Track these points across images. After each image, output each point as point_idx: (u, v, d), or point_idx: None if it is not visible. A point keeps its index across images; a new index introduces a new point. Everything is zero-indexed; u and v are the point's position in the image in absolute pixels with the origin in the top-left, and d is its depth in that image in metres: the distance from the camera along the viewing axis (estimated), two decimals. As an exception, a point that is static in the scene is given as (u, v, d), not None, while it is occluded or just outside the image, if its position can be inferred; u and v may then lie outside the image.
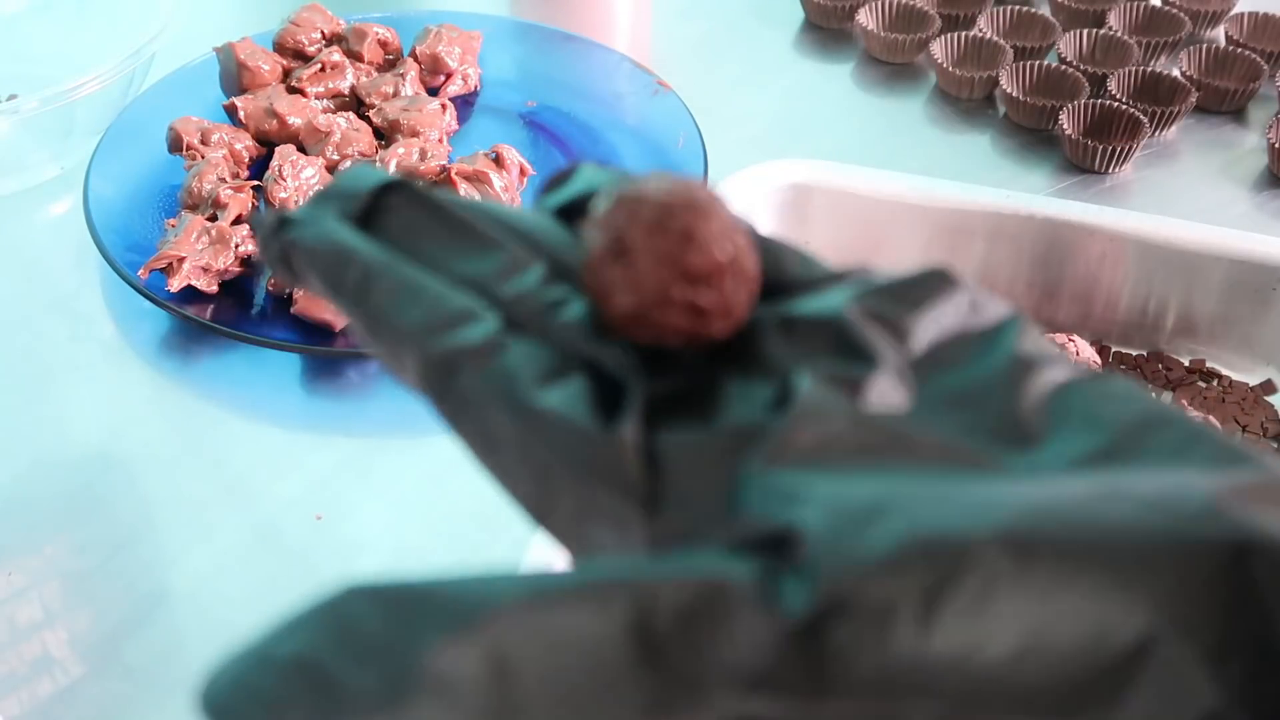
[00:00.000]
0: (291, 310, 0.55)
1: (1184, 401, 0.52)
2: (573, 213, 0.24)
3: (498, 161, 0.61)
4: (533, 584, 0.15)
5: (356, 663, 0.15)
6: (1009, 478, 0.18)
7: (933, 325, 0.21)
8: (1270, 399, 0.55)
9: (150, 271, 0.55)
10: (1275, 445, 0.53)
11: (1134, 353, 0.58)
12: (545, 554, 0.41)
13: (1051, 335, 0.54)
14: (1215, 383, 0.56)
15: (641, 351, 0.21)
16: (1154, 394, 0.53)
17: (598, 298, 0.21)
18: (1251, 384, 0.56)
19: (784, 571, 0.16)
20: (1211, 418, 0.51)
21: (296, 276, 0.24)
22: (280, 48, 0.71)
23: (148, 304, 0.56)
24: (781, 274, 0.23)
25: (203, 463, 0.52)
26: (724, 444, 0.19)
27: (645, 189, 0.21)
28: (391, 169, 0.61)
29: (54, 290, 0.61)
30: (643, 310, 0.20)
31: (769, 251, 0.23)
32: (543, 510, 0.20)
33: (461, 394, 0.21)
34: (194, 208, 0.60)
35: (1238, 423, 0.54)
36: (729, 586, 0.15)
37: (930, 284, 0.21)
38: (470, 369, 0.21)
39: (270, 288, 0.57)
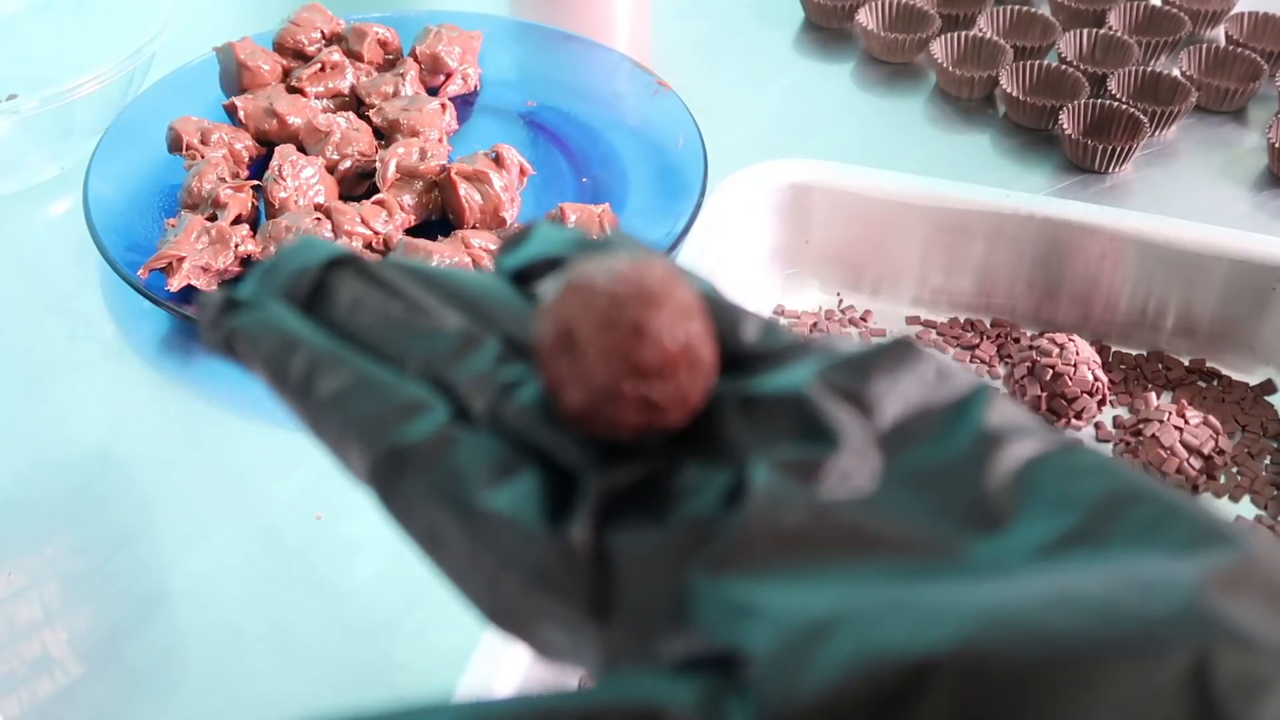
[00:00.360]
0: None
1: (1184, 401, 0.52)
2: (531, 275, 0.24)
3: (498, 161, 0.61)
4: (469, 716, 0.15)
5: None
6: (969, 577, 0.17)
7: (898, 399, 0.20)
8: (1270, 399, 0.55)
9: (150, 271, 0.55)
10: (1275, 445, 0.53)
11: (1134, 353, 0.58)
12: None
13: (1051, 335, 0.54)
14: (1215, 383, 0.56)
15: (596, 441, 0.20)
16: (1153, 395, 0.53)
17: (550, 388, 0.20)
18: (1251, 384, 0.56)
19: (730, 694, 0.15)
20: (1211, 417, 0.51)
21: (241, 363, 0.23)
22: (280, 48, 0.71)
23: (148, 304, 0.56)
24: (741, 346, 0.22)
25: (203, 463, 0.52)
26: (678, 544, 0.18)
27: (595, 275, 0.20)
28: (391, 169, 0.61)
29: (54, 290, 0.61)
30: (594, 405, 0.20)
31: (729, 321, 0.22)
32: (494, 612, 0.20)
33: (408, 494, 0.20)
34: (194, 207, 0.60)
35: (1238, 422, 0.54)
36: (670, 714, 0.15)
37: (895, 355, 0.21)
38: (417, 468, 0.20)
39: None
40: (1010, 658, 0.15)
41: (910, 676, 0.15)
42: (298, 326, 0.22)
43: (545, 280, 0.23)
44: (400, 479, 0.20)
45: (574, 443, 0.20)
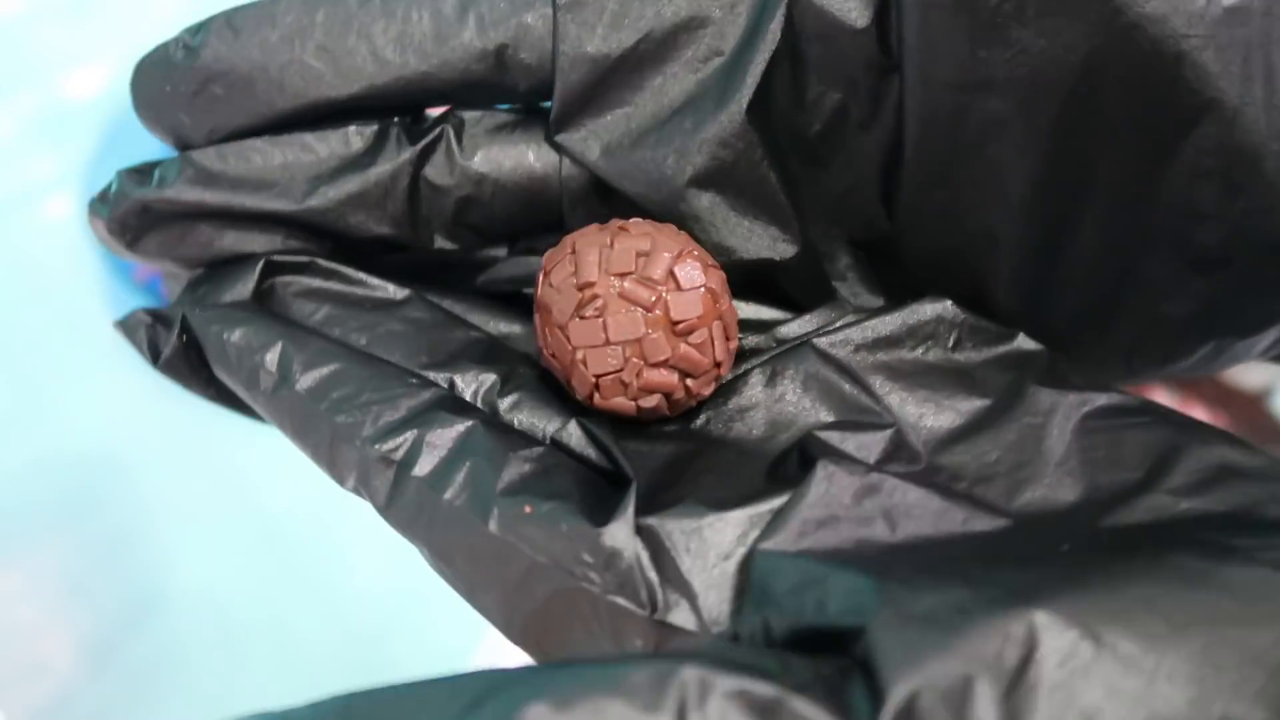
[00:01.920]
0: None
1: (1188, 402, 0.52)
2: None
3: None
4: (563, 681, 0.13)
5: None
6: (1067, 556, 0.16)
7: (940, 364, 0.19)
8: (1270, 402, 0.55)
9: (149, 272, 0.55)
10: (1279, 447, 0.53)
11: (1135, 354, 0.57)
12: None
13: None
14: (1215, 385, 0.56)
15: (616, 421, 0.19)
16: (1157, 396, 0.53)
17: (561, 364, 0.18)
18: (1255, 386, 0.56)
19: (845, 674, 0.14)
20: (1216, 418, 0.51)
21: (200, 379, 0.21)
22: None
23: (148, 304, 0.55)
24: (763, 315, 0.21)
25: (203, 463, 0.52)
26: (729, 524, 0.17)
27: (607, 230, 0.18)
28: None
29: (54, 290, 0.61)
30: (617, 374, 0.18)
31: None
32: (516, 621, 0.18)
33: (414, 500, 0.18)
34: (194, 207, 0.60)
35: (1242, 424, 0.54)
36: (789, 693, 0.13)
37: (929, 319, 0.19)
38: (422, 468, 0.18)
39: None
40: (1146, 634, 0.14)
41: (1028, 636, 0.14)
42: (262, 319, 0.20)
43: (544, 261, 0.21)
44: (404, 484, 0.18)
45: (594, 424, 0.18)
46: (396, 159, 0.20)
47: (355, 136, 0.20)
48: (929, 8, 0.18)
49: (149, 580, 0.47)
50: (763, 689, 0.13)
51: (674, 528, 0.17)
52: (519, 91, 0.20)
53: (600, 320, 0.18)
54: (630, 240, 0.18)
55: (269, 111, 0.20)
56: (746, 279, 0.20)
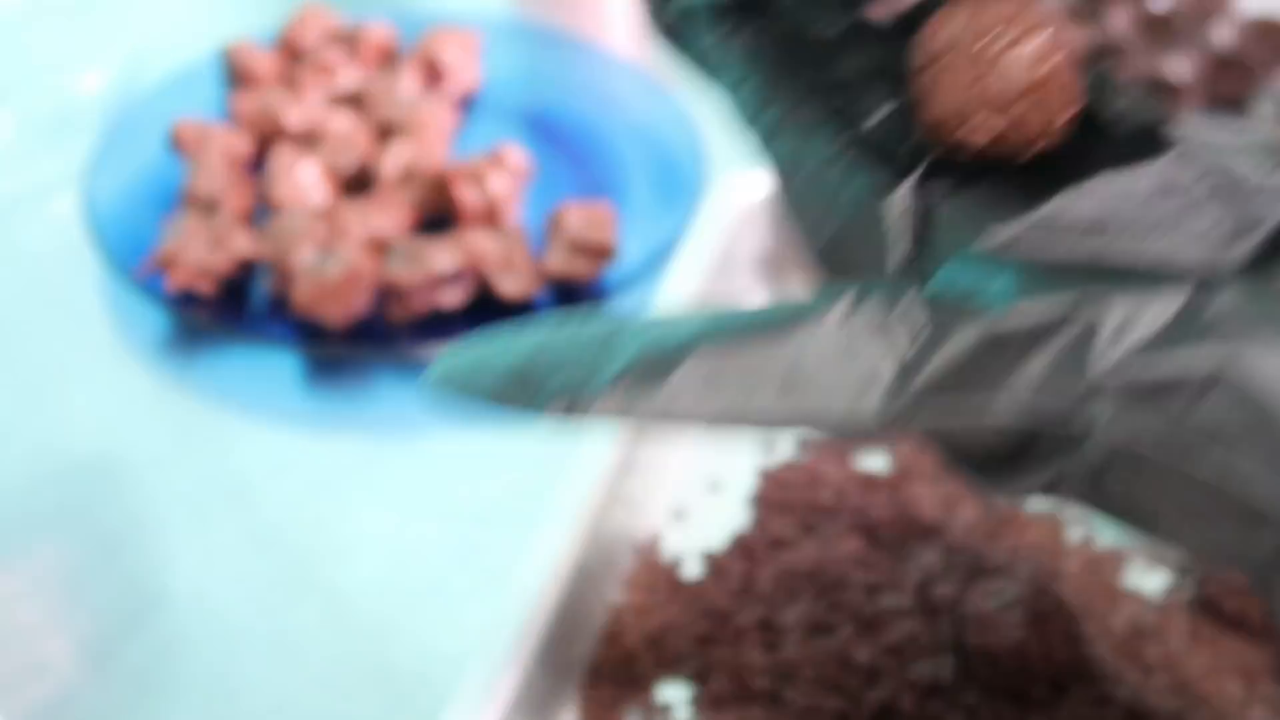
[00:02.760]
0: (291, 309, 0.54)
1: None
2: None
3: (498, 161, 0.61)
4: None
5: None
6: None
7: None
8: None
9: (149, 271, 0.55)
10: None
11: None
12: (552, 550, 0.40)
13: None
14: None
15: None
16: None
17: (914, 100, 0.24)
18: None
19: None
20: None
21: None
22: (280, 47, 0.71)
23: (148, 304, 0.55)
24: (1103, 109, 0.24)
25: (203, 463, 0.52)
26: (992, 225, 0.22)
27: (972, 6, 0.23)
28: (391, 169, 0.61)
29: (53, 290, 0.61)
30: (945, 124, 0.23)
31: (1098, 83, 0.25)
32: (816, 243, 0.25)
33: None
34: (193, 207, 0.60)
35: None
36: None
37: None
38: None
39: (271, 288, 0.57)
40: None
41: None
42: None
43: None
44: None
45: (920, 143, 0.24)
46: None
47: None
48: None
49: (148, 580, 0.47)
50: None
51: (948, 209, 0.24)
52: None
53: (933, 78, 0.23)
54: (986, 19, 0.23)
55: None
56: None
